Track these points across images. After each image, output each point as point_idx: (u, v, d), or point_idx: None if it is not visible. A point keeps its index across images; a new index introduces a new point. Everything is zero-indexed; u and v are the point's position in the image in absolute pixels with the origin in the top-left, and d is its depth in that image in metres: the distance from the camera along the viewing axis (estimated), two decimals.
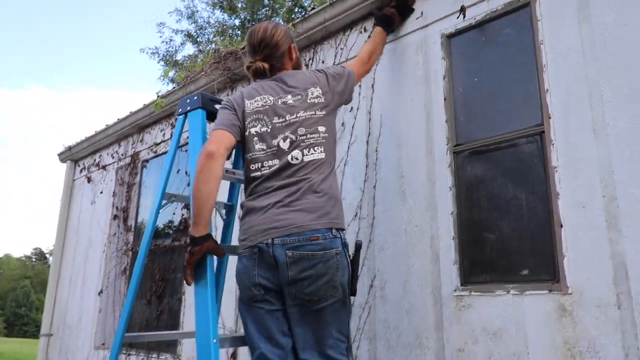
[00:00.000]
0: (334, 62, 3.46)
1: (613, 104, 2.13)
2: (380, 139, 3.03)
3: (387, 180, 2.93)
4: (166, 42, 16.65)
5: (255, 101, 2.09)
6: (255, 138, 2.05)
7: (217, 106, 2.18)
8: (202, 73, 4.43)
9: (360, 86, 3.25)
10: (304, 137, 2.02)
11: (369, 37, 3.07)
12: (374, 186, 2.99)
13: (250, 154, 2.06)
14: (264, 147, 2.03)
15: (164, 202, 2.72)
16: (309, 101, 2.09)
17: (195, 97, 2.66)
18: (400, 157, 2.89)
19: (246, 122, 2.07)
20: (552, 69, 2.35)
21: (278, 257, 1.87)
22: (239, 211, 2.38)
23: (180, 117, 2.74)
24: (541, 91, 2.37)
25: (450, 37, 2.84)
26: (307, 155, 2.00)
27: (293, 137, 2.02)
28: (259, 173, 2.03)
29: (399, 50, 3.07)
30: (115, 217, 5.49)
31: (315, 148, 2.02)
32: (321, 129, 2.07)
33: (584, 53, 2.26)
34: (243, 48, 4.01)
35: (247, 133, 2.07)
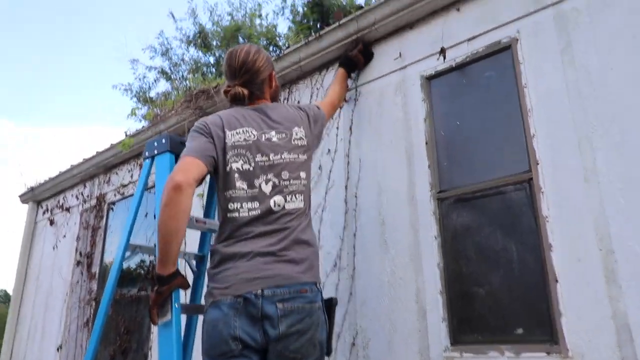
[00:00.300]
0: (310, 102, 3.33)
1: (604, 151, 2.02)
2: (360, 184, 2.88)
3: (367, 228, 2.77)
4: (139, 79, 16.46)
5: (237, 133, 1.89)
6: (237, 175, 1.84)
7: (191, 129, 1.91)
8: (173, 112, 4.25)
9: (337, 128, 3.11)
10: (287, 182, 1.89)
11: (334, 77, 2.95)
12: (354, 234, 2.82)
13: (230, 192, 1.85)
14: (245, 187, 1.84)
15: (127, 253, 2.50)
16: (293, 142, 1.94)
17: (164, 140, 2.47)
18: (381, 203, 2.74)
19: (227, 156, 1.85)
20: (538, 113, 2.26)
21: (267, 310, 1.70)
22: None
23: (147, 160, 2.54)
24: (527, 136, 2.27)
25: (429, 78, 2.74)
26: (288, 202, 1.86)
27: (276, 180, 1.87)
28: (237, 214, 1.82)
29: (377, 91, 2.96)
30: (78, 263, 5.16)
31: (297, 196, 1.89)
32: (302, 174, 1.94)
33: (570, 97, 2.17)
34: (215, 87, 3.86)
35: (227, 168, 1.85)
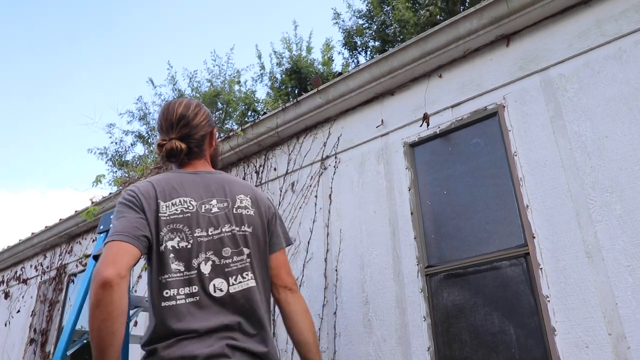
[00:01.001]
0: (287, 170, 3.16)
1: (605, 224, 1.87)
2: (341, 256, 2.66)
3: (349, 306, 2.52)
4: (116, 143, 16.32)
5: (172, 204, 1.57)
6: (172, 255, 1.51)
7: (118, 201, 1.56)
8: (142, 178, 4.03)
9: (316, 196, 2.93)
10: (235, 258, 1.57)
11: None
12: (334, 312, 2.56)
13: (165, 276, 1.49)
14: (181, 269, 1.51)
15: (74, 340, 2.19)
16: (237, 213, 1.63)
17: None
18: (364, 278, 2.51)
19: (161, 233, 1.52)
20: (530, 182, 2.12)
21: None
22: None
23: (102, 235, 2.30)
24: (520, 207, 2.11)
25: (413, 145, 2.61)
26: (233, 285, 1.53)
27: (216, 259, 1.55)
28: (168, 303, 1.48)
29: (358, 158, 2.82)
30: (31, 341, 4.69)
31: (244, 275, 1.56)
32: (246, 250, 1.60)
33: (564, 166, 2.05)
34: None
35: (161, 247, 1.51)
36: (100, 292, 1.33)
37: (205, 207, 1.59)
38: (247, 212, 1.65)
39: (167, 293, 1.48)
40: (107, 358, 1.34)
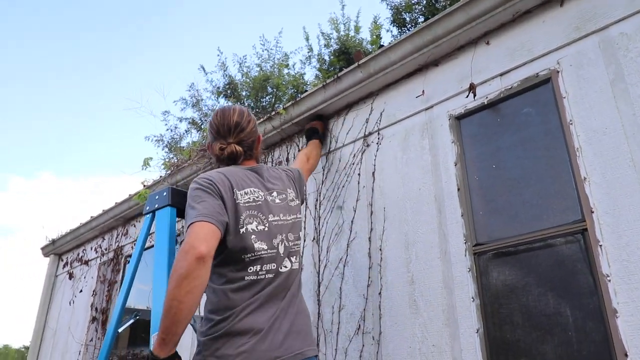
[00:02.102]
0: (329, 148, 3.10)
1: None
2: (385, 236, 2.58)
3: (394, 287, 2.44)
4: (171, 130, 16.78)
5: (245, 193, 1.77)
6: (254, 236, 1.72)
7: (193, 186, 1.70)
8: (189, 161, 4.09)
9: (359, 174, 2.86)
10: (293, 243, 1.84)
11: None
12: (379, 293, 2.50)
13: (249, 255, 1.70)
14: (265, 247, 1.73)
15: (126, 318, 2.25)
16: (290, 204, 1.92)
17: (165, 193, 2.27)
18: (409, 258, 2.43)
19: (241, 217, 1.70)
20: (588, 152, 1.95)
21: None
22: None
23: (148, 215, 2.33)
24: (577, 180, 1.95)
25: (459, 118, 2.48)
26: (293, 263, 1.82)
27: (286, 242, 1.81)
28: (254, 277, 1.68)
29: (401, 134, 2.71)
30: (93, 319, 4.94)
31: (297, 257, 1.85)
32: (300, 235, 1.92)
33: (626, 133, 1.87)
34: None
35: (242, 230, 1.70)
36: (193, 264, 1.45)
37: (269, 197, 1.84)
38: (295, 203, 1.94)
39: (251, 269, 1.69)
40: (178, 329, 1.48)
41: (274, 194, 1.88)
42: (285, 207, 1.88)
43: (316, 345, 1.82)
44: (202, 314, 1.82)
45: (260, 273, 1.69)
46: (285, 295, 1.73)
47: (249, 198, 1.77)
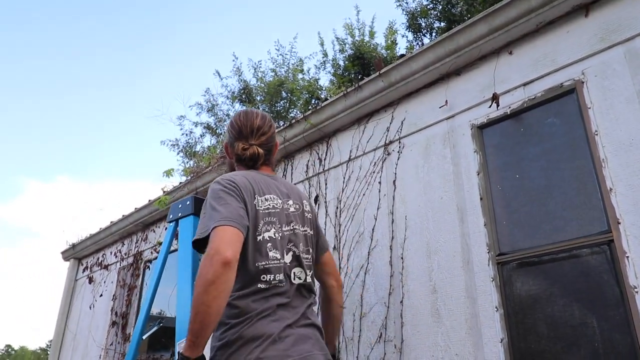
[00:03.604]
0: (349, 156, 3.12)
1: None
2: (406, 244, 2.59)
3: (417, 295, 2.45)
4: (186, 134, 16.95)
5: (266, 200, 1.77)
6: (269, 244, 1.71)
7: (216, 187, 1.66)
8: (209, 168, 4.14)
9: (379, 182, 2.88)
10: (303, 254, 1.81)
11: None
12: (401, 301, 2.51)
13: (263, 263, 1.69)
14: (278, 257, 1.72)
15: (150, 325, 2.28)
16: (304, 215, 1.90)
17: (188, 202, 2.31)
18: (431, 267, 2.44)
19: (259, 224, 1.71)
20: (614, 163, 1.95)
21: None
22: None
23: (172, 224, 2.37)
24: (603, 191, 1.95)
25: (482, 127, 2.49)
26: (307, 276, 1.80)
27: (296, 251, 1.79)
28: (266, 286, 1.68)
29: (423, 142, 2.72)
30: (113, 323, 5.00)
31: (309, 271, 1.83)
32: (311, 250, 1.87)
33: None
34: None
35: (259, 238, 1.70)
36: (219, 270, 1.47)
37: (285, 205, 1.83)
38: (309, 215, 1.92)
39: (264, 277, 1.69)
40: (207, 333, 1.50)
41: (290, 202, 1.86)
42: (300, 217, 1.87)
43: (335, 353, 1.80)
44: None
45: (273, 282, 1.69)
46: (296, 306, 1.71)
47: (269, 205, 1.77)
